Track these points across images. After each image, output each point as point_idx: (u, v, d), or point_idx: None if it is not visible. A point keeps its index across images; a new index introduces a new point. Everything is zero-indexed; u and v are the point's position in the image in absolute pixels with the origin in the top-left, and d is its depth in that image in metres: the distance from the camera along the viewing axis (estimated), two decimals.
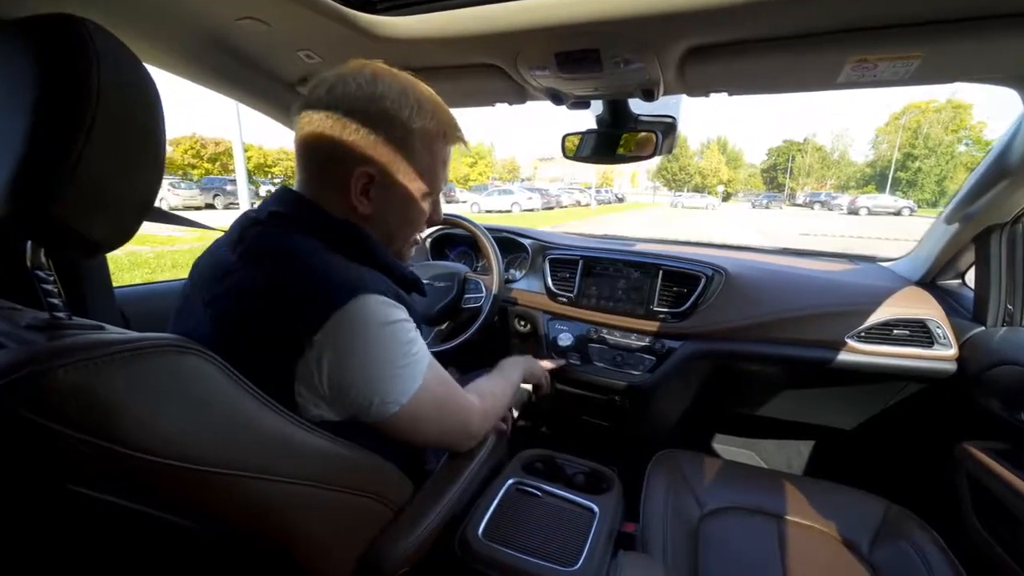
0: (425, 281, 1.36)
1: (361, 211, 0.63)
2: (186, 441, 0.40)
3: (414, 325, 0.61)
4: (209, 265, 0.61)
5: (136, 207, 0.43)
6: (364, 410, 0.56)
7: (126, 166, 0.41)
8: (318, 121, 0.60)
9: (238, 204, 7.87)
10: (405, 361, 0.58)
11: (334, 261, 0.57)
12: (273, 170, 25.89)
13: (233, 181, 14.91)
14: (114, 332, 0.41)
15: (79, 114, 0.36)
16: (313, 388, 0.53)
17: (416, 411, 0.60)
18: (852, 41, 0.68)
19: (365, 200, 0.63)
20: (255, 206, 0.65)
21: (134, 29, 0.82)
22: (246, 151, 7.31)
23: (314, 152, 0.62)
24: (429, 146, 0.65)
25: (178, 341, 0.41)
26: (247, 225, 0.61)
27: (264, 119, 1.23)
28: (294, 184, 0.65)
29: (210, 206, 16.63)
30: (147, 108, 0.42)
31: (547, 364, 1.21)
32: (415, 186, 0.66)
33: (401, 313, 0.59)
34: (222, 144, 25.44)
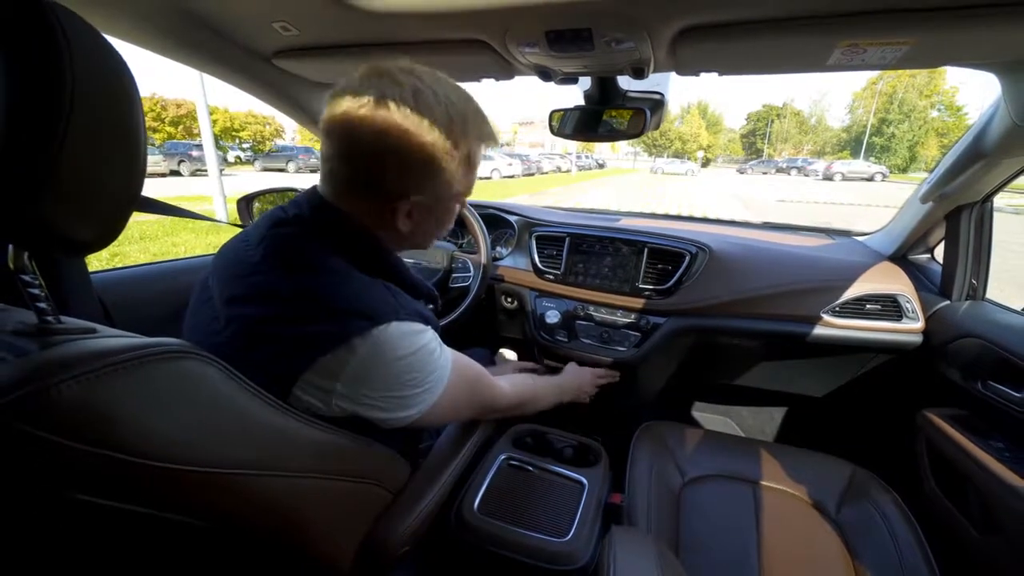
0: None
1: (403, 231, 0.63)
2: (191, 445, 0.41)
3: (435, 335, 0.62)
4: (232, 261, 0.61)
5: (121, 202, 0.42)
6: (380, 421, 0.59)
7: (108, 159, 0.39)
8: (369, 135, 0.55)
9: (206, 171, 7.52)
10: (429, 380, 0.60)
11: (358, 282, 0.58)
12: (241, 135, 24.49)
13: (199, 146, 14.11)
14: (107, 335, 0.41)
15: (54, 107, 0.34)
16: (323, 397, 0.54)
17: (433, 414, 0.63)
18: (843, 25, 0.68)
19: (408, 221, 0.63)
20: (283, 203, 0.64)
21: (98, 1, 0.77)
22: (211, 114, 6.93)
23: (357, 163, 0.59)
24: (471, 160, 0.64)
25: (176, 347, 0.41)
26: (272, 224, 0.61)
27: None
28: (319, 179, 0.64)
29: (175, 173, 15.80)
30: (124, 96, 0.40)
31: (598, 379, 1.22)
32: (455, 200, 0.68)
33: (424, 336, 0.60)
34: (184, 106, 23.96)
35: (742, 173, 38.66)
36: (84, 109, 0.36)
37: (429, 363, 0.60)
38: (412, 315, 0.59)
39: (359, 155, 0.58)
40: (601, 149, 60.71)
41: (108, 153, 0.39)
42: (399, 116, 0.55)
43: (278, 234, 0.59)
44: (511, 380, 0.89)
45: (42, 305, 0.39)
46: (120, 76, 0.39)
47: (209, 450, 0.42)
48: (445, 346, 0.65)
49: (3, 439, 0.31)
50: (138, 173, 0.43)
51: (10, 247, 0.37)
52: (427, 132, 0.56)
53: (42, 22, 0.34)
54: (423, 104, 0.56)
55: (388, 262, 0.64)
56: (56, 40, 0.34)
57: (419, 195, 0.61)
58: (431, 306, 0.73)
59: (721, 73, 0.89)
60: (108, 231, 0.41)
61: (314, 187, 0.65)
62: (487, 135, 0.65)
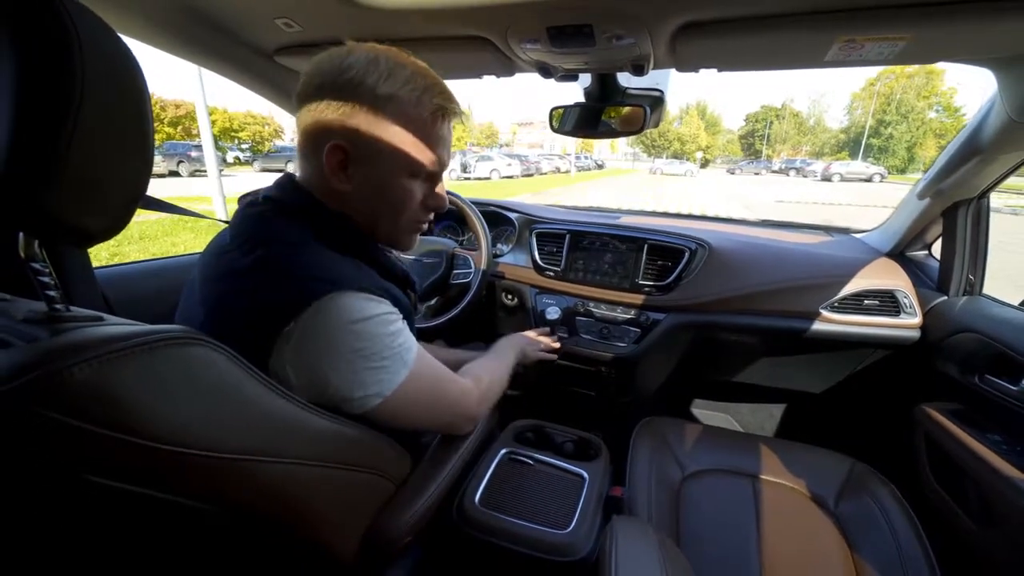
0: (413, 257, 1.36)
1: (339, 188, 0.61)
2: (199, 429, 0.41)
3: (399, 316, 0.60)
4: (211, 250, 0.63)
5: (129, 194, 0.42)
6: (346, 403, 0.56)
7: (117, 152, 0.40)
8: (299, 104, 0.61)
9: (205, 171, 7.53)
10: (386, 354, 0.57)
11: (319, 253, 0.57)
12: (240, 135, 24.51)
13: (198, 146, 14.13)
14: (114, 323, 0.41)
15: (64, 100, 0.35)
16: (286, 381, 0.53)
17: (402, 402, 0.60)
18: (841, 21, 0.69)
19: (343, 175, 0.60)
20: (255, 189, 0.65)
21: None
22: (210, 114, 6.94)
23: (299, 135, 0.62)
24: (404, 114, 0.59)
25: (184, 333, 0.41)
26: (244, 207, 0.62)
27: (228, 81, 1.16)
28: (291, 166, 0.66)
29: (175, 173, 15.80)
30: (134, 89, 0.40)
31: (543, 341, 1.17)
32: (393, 159, 0.61)
33: (380, 307, 0.57)
34: (183, 107, 23.98)
35: (732, 174, 38.56)
36: (94, 101, 0.36)
37: (386, 335, 0.57)
38: (377, 290, 0.58)
39: (298, 118, 0.61)
40: (600, 150, 60.82)
41: (117, 145, 0.40)
42: (324, 62, 0.59)
43: (247, 214, 0.61)
44: (465, 373, 0.82)
45: (51, 293, 0.40)
46: (130, 70, 0.40)
47: (214, 435, 0.42)
48: (411, 335, 0.63)
49: (17, 421, 0.32)
50: (146, 166, 0.43)
51: (20, 236, 0.38)
52: (345, 68, 0.57)
53: (53, 15, 0.35)
54: (350, 52, 0.59)
55: (359, 241, 0.63)
56: (67, 33, 0.35)
57: (341, 138, 0.58)
58: (409, 292, 0.71)
59: (720, 69, 0.90)
60: (115, 222, 0.42)
61: (287, 172, 0.67)
62: (447, 107, 0.62)
